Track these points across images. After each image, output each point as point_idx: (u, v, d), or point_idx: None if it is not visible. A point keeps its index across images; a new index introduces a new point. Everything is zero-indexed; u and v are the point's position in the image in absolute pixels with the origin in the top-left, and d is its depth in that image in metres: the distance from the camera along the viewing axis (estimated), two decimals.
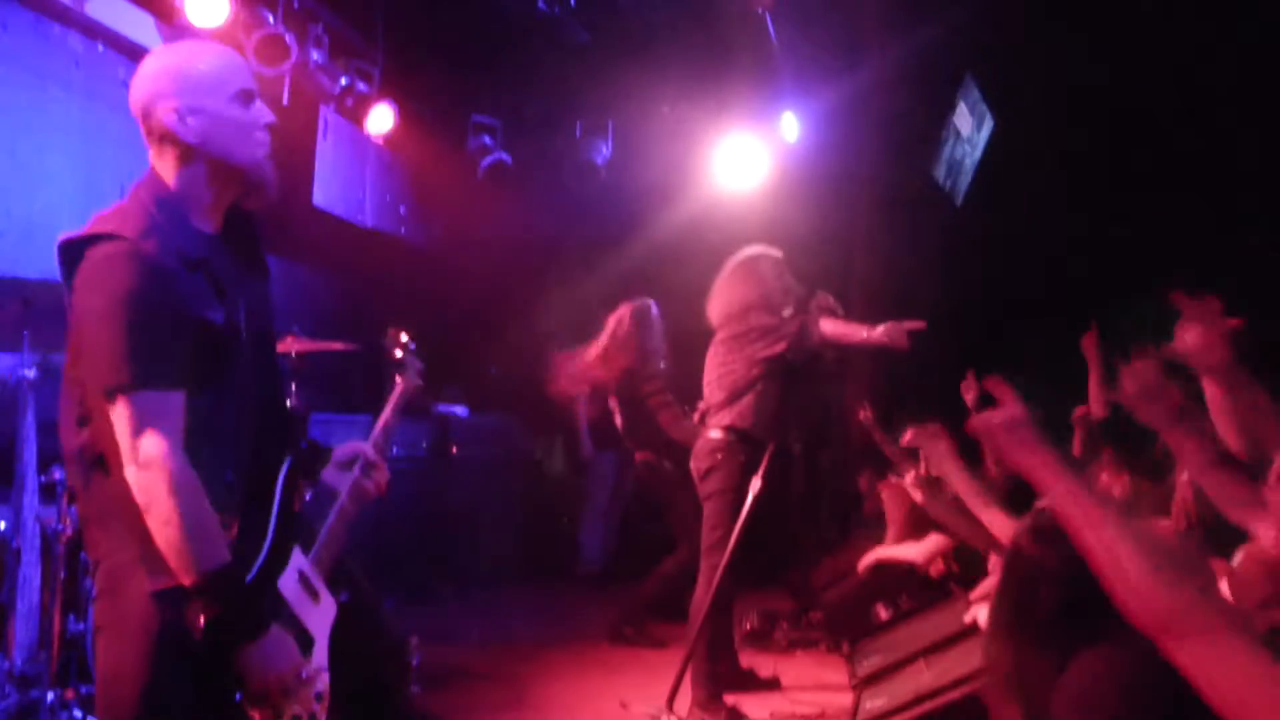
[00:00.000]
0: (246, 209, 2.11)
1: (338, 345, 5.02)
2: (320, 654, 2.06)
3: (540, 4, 5.77)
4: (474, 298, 7.42)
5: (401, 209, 6.96)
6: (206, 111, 1.97)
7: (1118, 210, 7.03)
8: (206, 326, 1.92)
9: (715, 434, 4.29)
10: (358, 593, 2.30)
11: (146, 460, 1.82)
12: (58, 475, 3.40)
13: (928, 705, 3.40)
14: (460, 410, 6.82)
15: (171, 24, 4.97)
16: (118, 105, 5.04)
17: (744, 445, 4.22)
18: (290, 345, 4.72)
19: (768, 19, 6.13)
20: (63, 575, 3.32)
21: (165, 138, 1.97)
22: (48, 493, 3.38)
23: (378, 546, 5.83)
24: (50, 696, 3.17)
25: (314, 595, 2.08)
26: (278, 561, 2.01)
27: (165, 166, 1.99)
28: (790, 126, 6.73)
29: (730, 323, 4.38)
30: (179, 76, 1.98)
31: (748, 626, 5.40)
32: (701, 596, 4.12)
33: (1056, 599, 2.07)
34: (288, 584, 2.03)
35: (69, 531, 3.36)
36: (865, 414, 5.43)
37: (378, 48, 6.13)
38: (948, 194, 7.74)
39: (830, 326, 4.24)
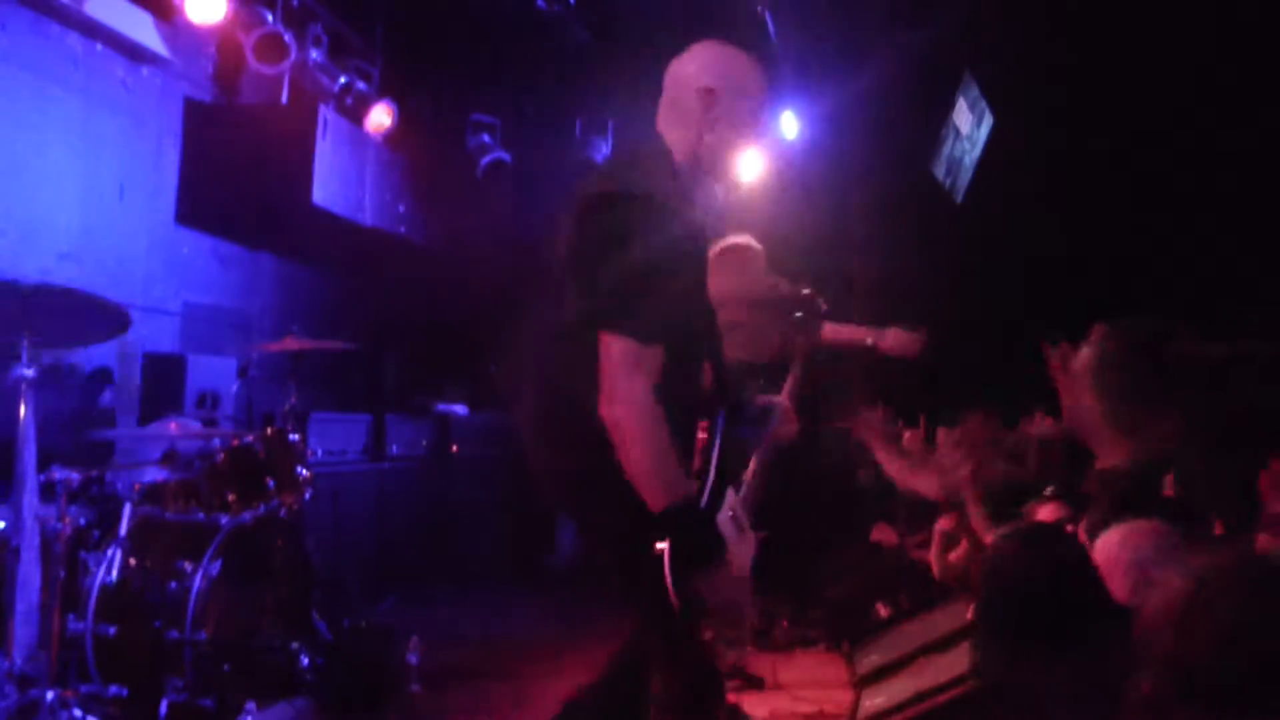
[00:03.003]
0: (720, 182, 2.49)
1: (337, 344, 5.02)
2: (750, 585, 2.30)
3: (540, 2, 5.77)
4: (473, 296, 7.42)
5: (401, 208, 6.95)
6: (731, 103, 2.31)
7: (1118, 209, 7.03)
8: (696, 281, 2.29)
9: None
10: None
11: (631, 400, 2.08)
12: (57, 475, 3.41)
13: (928, 704, 3.40)
14: (460, 410, 6.81)
15: (171, 23, 4.97)
16: (117, 105, 5.07)
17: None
18: (289, 344, 4.72)
19: (767, 17, 6.13)
20: (62, 575, 3.32)
21: (692, 112, 2.31)
22: (47, 492, 3.38)
23: (378, 546, 5.84)
24: (50, 696, 3.16)
25: (741, 530, 2.29)
26: (716, 500, 2.26)
27: (680, 137, 2.32)
28: (789, 124, 6.74)
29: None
30: (725, 71, 2.35)
31: (747, 625, 5.40)
32: None
33: (1038, 604, 2.09)
34: (724, 521, 2.25)
35: (68, 531, 3.36)
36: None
37: (377, 47, 6.13)
38: (947, 192, 7.73)
39: (831, 331, 4.19)
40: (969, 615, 3.68)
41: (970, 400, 5.33)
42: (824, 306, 4.44)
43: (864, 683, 4.06)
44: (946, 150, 7.56)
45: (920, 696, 3.46)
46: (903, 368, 7.15)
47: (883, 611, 4.85)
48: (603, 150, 6.90)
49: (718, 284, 4.33)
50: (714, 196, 2.47)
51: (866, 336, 4.14)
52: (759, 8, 6.08)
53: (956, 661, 3.57)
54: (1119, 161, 6.94)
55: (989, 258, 7.31)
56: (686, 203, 2.26)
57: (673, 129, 2.34)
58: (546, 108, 6.97)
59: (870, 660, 4.23)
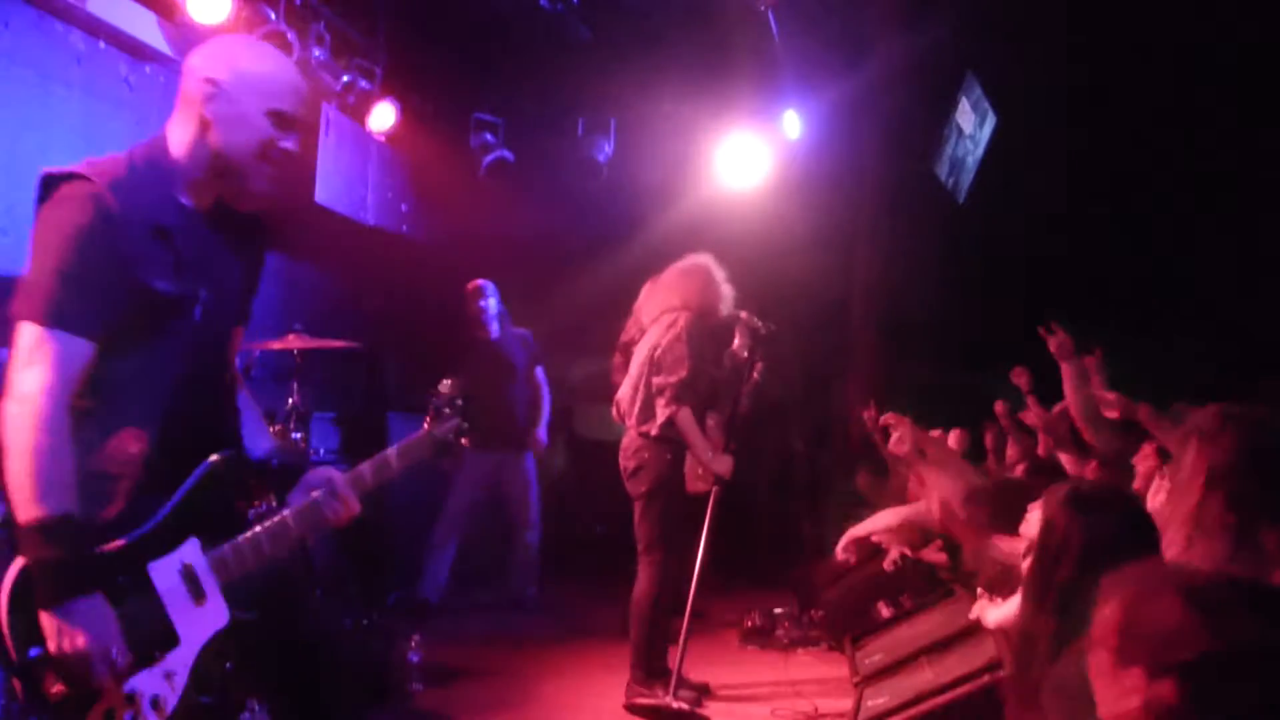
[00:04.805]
0: (236, 206, 2.12)
1: (338, 343, 5.02)
2: (179, 658, 1.97)
3: (542, 1, 5.77)
4: None
5: (403, 207, 6.94)
6: (237, 103, 2.02)
7: (1119, 208, 7.03)
8: (147, 291, 1.94)
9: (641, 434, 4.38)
10: (273, 615, 2.17)
11: (23, 395, 1.83)
12: None
13: (929, 704, 3.40)
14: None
15: (174, 21, 4.97)
16: (120, 103, 5.07)
17: (670, 445, 4.30)
18: (291, 343, 4.72)
19: (770, 16, 6.12)
20: None
21: (191, 104, 2.03)
22: None
23: (379, 545, 5.84)
24: None
25: (198, 595, 2.00)
26: (158, 545, 1.97)
27: (178, 133, 2.05)
28: (792, 124, 6.73)
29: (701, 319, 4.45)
30: (235, 61, 2.04)
31: (749, 624, 5.41)
32: (642, 589, 4.27)
33: (1071, 571, 2.09)
34: (164, 571, 1.96)
35: None
36: (869, 413, 5.43)
37: (379, 45, 6.13)
38: (950, 192, 7.73)
39: (683, 421, 4.25)
40: (972, 614, 3.68)
41: (969, 401, 5.36)
42: (761, 330, 4.52)
43: (866, 682, 4.06)
44: (949, 150, 7.55)
45: (922, 696, 3.46)
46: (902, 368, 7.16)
47: (884, 611, 4.85)
48: (605, 149, 6.90)
49: (672, 299, 4.46)
50: (223, 203, 2.11)
51: (705, 450, 4.27)
52: (761, 7, 6.07)
53: (959, 661, 3.57)
54: (1121, 162, 6.94)
55: (991, 257, 7.31)
56: (150, 198, 1.98)
57: (177, 121, 2.06)
58: (549, 106, 6.97)
59: (872, 660, 4.23)
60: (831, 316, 7.77)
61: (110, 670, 1.85)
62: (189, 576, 1.99)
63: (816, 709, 4.21)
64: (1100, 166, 7.04)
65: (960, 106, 7.46)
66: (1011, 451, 5.32)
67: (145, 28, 4.95)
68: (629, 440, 4.41)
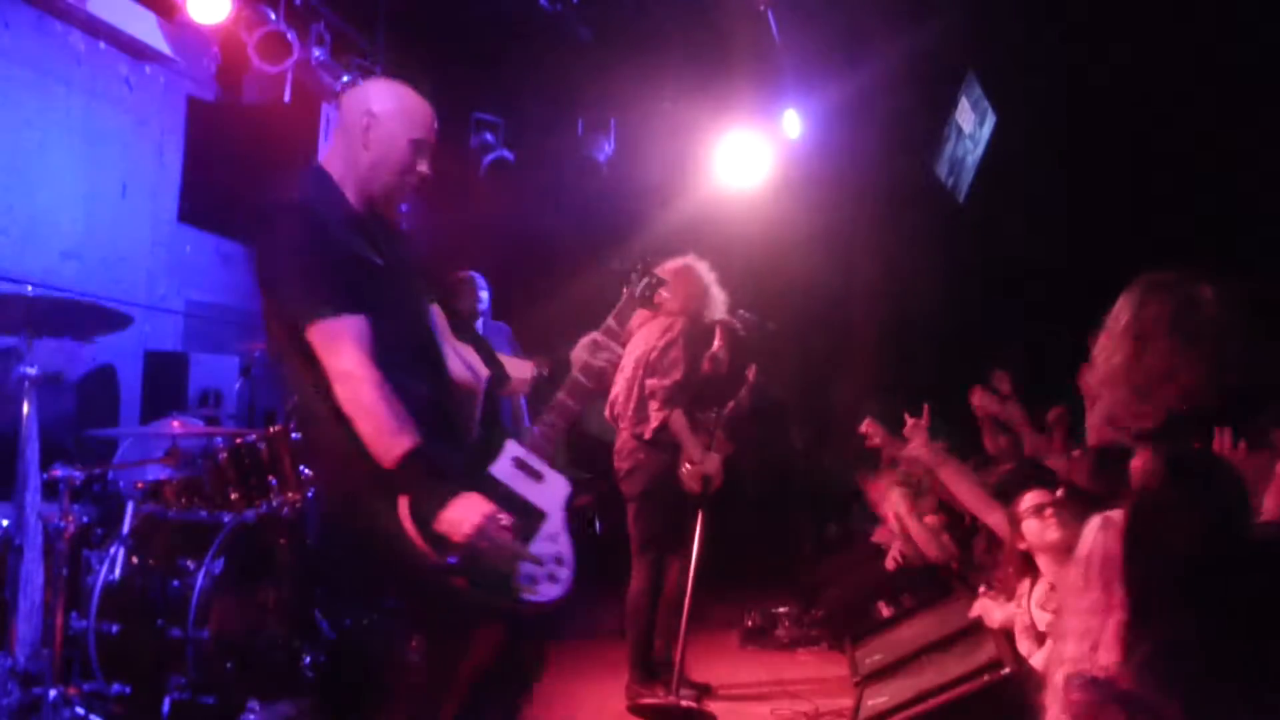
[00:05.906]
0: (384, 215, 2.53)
1: None
2: (554, 524, 2.39)
3: (542, 1, 5.77)
4: None
5: (403, 206, 6.92)
6: (388, 133, 2.43)
7: (1120, 208, 7.02)
8: (366, 263, 2.33)
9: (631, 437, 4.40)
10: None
11: (343, 373, 2.18)
12: (59, 473, 3.41)
13: (930, 703, 3.40)
14: None
15: (173, 21, 4.98)
16: (120, 102, 5.07)
17: (663, 448, 4.31)
18: None
19: (770, 16, 6.13)
20: (65, 573, 3.32)
21: (352, 132, 2.44)
22: (50, 490, 3.38)
23: None
24: (53, 694, 3.17)
25: (535, 475, 2.40)
26: (485, 453, 2.38)
27: (339, 154, 2.47)
28: (792, 123, 6.73)
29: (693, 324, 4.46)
30: (387, 98, 2.47)
31: (749, 624, 5.41)
32: (637, 590, 4.31)
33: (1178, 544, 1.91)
34: (502, 468, 2.37)
35: (71, 529, 3.36)
36: (869, 427, 5.10)
37: (379, 45, 6.13)
38: (950, 191, 7.73)
39: (675, 424, 4.28)
40: (972, 613, 3.68)
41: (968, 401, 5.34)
42: (741, 333, 4.52)
43: (866, 681, 4.06)
44: (949, 150, 7.55)
45: (922, 696, 3.46)
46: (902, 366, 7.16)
47: (884, 611, 4.85)
48: (605, 149, 6.89)
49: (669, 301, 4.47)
50: (378, 212, 2.50)
51: (694, 450, 4.29)
52: (761, 6, 6.07)
53: (959, 660, 3.57)
54: (1121, 161, 6.94)
55: (991, 257, 7.31)
56: (337, 206, 2.39)
57: (337, 148, 2.49)
58: (549, 106, 6.97)
59: (872, 659, 4.23)
60: (831, 316, 7.77)
61: (512, 534, 2.23)
62: (522, 465, 2.40)
63: (816, 709, 4.21)
64: (1101, 166, 7.04)
65: (960, 106, 7.46)
66: (991, 444, 5.20)
67: (145, 28, 4.95)
68: (623, 442, 4.41)
